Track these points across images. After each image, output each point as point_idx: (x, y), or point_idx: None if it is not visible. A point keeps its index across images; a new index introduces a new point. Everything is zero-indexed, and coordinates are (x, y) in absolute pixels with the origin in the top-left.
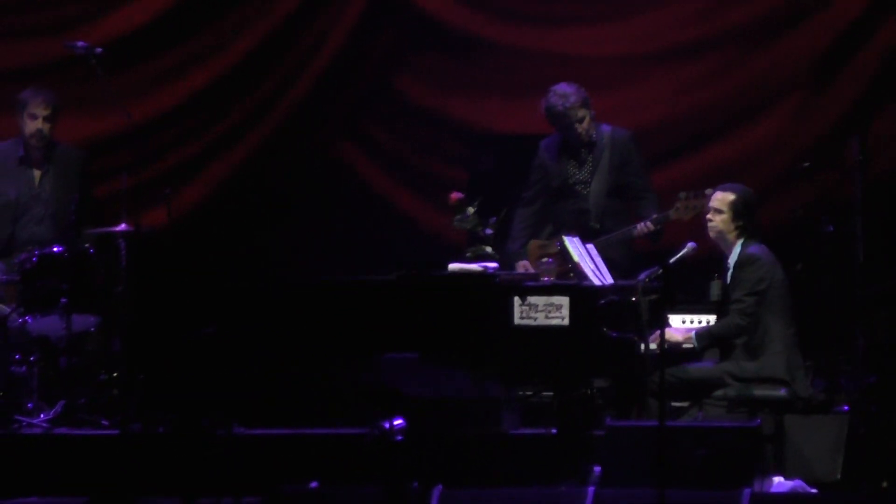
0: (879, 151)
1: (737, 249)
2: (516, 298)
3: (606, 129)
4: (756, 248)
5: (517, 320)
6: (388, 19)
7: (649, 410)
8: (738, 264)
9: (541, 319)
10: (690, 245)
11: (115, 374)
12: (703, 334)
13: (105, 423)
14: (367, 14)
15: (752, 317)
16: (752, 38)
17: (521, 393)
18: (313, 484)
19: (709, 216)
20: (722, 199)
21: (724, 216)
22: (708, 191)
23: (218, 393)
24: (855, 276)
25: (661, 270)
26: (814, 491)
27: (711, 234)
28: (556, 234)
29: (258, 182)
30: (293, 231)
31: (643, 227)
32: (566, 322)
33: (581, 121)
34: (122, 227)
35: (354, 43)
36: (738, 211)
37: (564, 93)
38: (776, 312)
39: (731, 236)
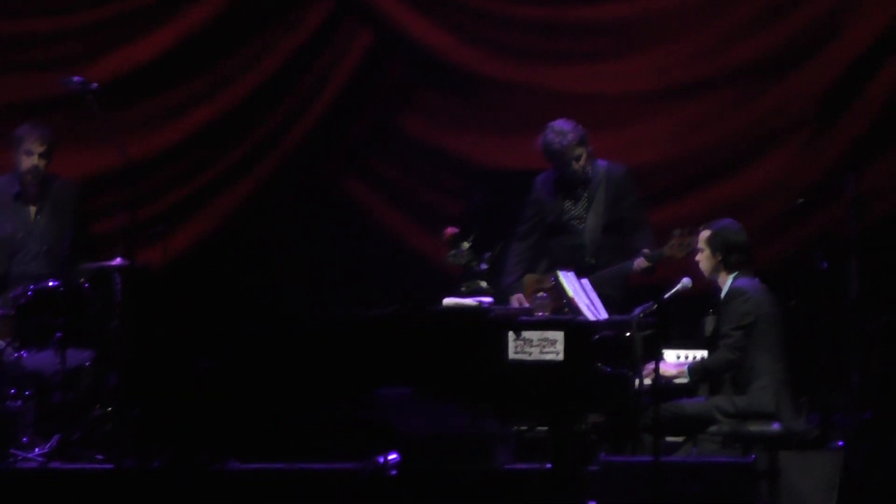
0: (882, 191)
1: (727, 284)
2: (510, 333)
3: (602, 164)
4: (744, 282)
5: (511, 355)
6: (392, 56)
7: (644, 446)
8: (725, 298)
9: (535, 354)
10: (685, 281)
11: (109, 409)
12: (695, 368)
13: (100, 457)
14: (372, 51)
15: (742, 350)
16: (756, 76)
17: (515, 428)
18: None
19: (696, 257)
20: (701, 237)
21: (705, 253)
22: (701, 228)
23: (213, 427)
24: (850, 312)
25: (655, 306)
26: None
27: (704, 275)
28: (551, 269)
29: (261, 217)
30: (295, 265)
31: (640, 262)
32: (560, 357)
33: (578, 158)
34: (118, 261)
35: (358, 79)
36: (716, 246)
37: (562, 130)
38: (764, 346)
39: (718, 272)
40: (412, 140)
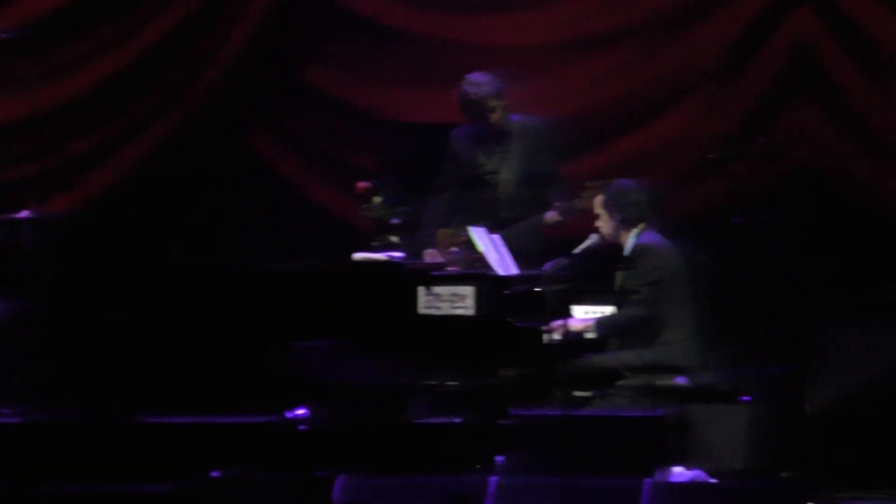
0: (786, 145)
1: (630, 241)
2: (421, 288)
3: (517, 118)
4: (648, 237)
5: (422, 310)
6: (299, 7)
7: (554, 400)
8: (631, 255)
9: (446, 309)
10: (595, 235)
11: (19, 362)
12: (603, 323)
13: (6, 411)
14: (277, 2)
15: (651, 306)
16: (664, 29)
17: (426, 382)
18: (215, 473)
19: (596, 223)
20: (596, 202)
21: (603, 217)
22: (589, 185)
23: (124, 380)
24: (760, 267)
25: (566, 261)
26: (714, 481)
27: (606, 239)
28: (466, 223)
29: (168, 170)
30: (203, 220)
31: (551, 216)
32: (471, 311)
33: (493, 110)
34: (25, 213)
35: (264, 31)
36: (612, 207)
37: (478, 82)
38: (672, 300)
39: (619, 232)
40: (322, 93)
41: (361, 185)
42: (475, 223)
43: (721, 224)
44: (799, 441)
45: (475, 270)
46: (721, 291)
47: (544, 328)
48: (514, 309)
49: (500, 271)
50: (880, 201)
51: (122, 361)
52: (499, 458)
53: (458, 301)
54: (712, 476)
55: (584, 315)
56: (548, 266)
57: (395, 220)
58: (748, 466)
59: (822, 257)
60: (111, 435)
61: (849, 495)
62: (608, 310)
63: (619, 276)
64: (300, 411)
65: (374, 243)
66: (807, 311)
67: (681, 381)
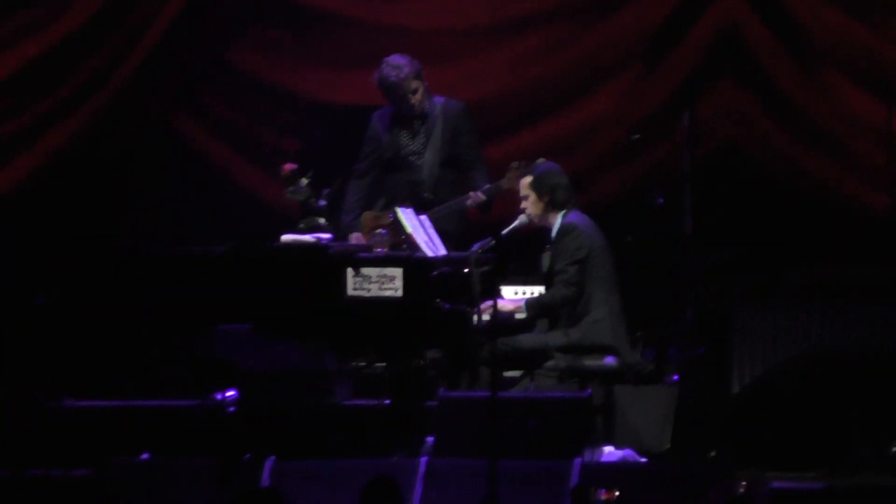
0: (710, 126)
1: (557, 222)
2: (349, 270)
3: (439, 100)
4: (573, 217)
5: (350, 292)
6: None
7: (481, 381)
8: (557, 235)
9: (374, 291)
10: (523, 216)
11: None
12: (532, 303)
13: None
14: None
15: (577, 286)
16: (588, 11)
17: (354, 364)
18: (144, 455)
19: (521, 206)
20: (523, 184)
21: (531, 198)
22: (540, 160)
23: (48, 364)
24: (684, 248)
25: (493, 242)
26: (643, 460)
27: (534, 221)
28: (390, 205)
29: (93, 154)
30: (129, 203)
31: (475, 197)
32: (399, 293)
33: (414, 92)
34: None
35: (188, 14)
36: (539, 188)
37: (398, 64)
38: (598, 280)
39: (547, 214)
40: (246, 75)
41: (288, 167)
42: (398, 205)
43: (646, 205)
44: (724, 421)
45: (403, 252)
46: (646, 272)
47: (473, 309)
48: (442, 290)
49: (429, 252)
50: (804, 182)
51: (48, 346)
52: (429, 439)
53: (387, 282)
54: (642, 454)
55: (513, 296)
56: (475, 247)
57: (321, 202)
58: (675, 446)
59: (745, 238)
60: (37, 419)
61: (774, 474)
62: (537, 290)
63: (546, 258)
64: (230, 394)
65: (302, 225)
66: (731, 292)
67: (609, 360)
